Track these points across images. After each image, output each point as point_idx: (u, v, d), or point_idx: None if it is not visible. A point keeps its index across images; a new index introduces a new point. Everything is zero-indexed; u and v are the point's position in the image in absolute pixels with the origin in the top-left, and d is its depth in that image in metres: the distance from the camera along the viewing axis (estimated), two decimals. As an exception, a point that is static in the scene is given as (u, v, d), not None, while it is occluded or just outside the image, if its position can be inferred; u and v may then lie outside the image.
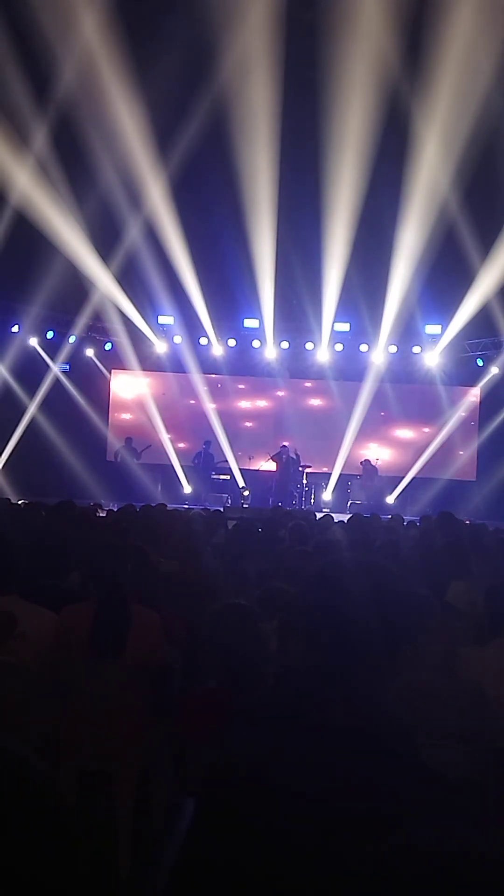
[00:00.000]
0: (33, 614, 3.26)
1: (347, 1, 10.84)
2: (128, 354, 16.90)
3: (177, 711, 2.97)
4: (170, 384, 17.56)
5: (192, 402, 17.34)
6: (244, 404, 17.98)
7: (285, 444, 16.23)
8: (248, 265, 15.21)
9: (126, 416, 17.91)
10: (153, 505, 8.65)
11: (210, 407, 17.09)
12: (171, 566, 4.62)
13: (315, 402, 17.93)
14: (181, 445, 17.21)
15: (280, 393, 17.91)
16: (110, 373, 17.90)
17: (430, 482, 16.35)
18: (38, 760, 0.95)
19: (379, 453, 17.20)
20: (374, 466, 16.44)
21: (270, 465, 16.16)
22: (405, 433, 17.64)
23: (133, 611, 3.29)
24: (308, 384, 17.97)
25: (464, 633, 3.31)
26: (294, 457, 15.97)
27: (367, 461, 16.52)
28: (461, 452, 17.09)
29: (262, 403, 18.06)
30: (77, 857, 0.93)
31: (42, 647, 3.17)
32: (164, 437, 17.05)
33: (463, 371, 17.03)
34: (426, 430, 17.30)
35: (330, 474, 16.98)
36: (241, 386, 18.00)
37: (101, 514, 8.31)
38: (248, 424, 17.91)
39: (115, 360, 17.52)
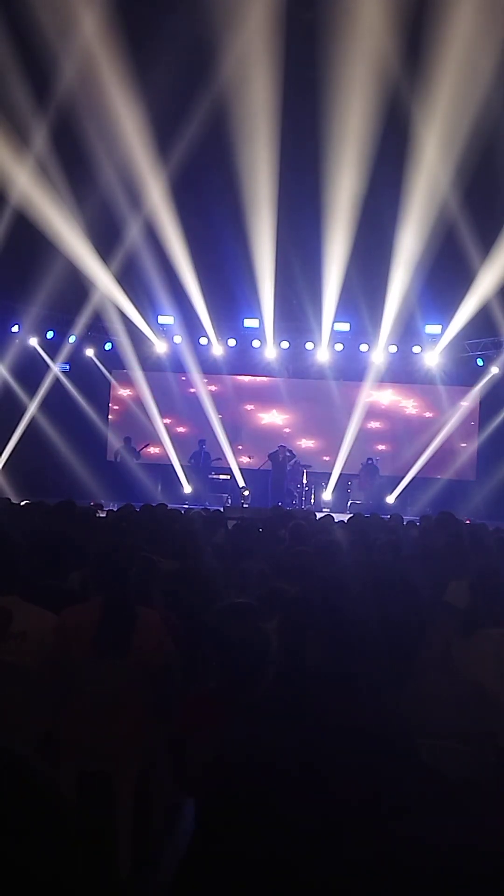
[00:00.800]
0: (34, 615, 3.26)
1: (347, 1, 10.84)
2: (128, 354, 16.90)
3: (177, 711, 2.97)
4: (170, 384, 17.57)
5: (192, 401, 17.34)
6: (244, 404, 17.98)
7: (282, 444, 16.31)
8: (248, 265, 15.21)
9: (126, 416, 17.91)
10: (154, 505, 8.64)
11: (210, 406, 17.09)
12: (171, 566, 4.62)
13: (315, 401, 17.94)
14: (181, 444, 17.20)
15: (280, 393, 17.91)
16: (110, 373, 17.90)
17: (430, 482, 16.35)
18: (38, 760, 0.95)
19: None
20: (374, 466, 16.41)
21: (269, 465, 16.20)
22: (405, 433, 17.62)
23: (137, 611, 3.29)
24: (308, 384, 17.98)
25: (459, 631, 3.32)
26: (288, 454, 16.04)
27: (369, 460, 16.49)
28: (461, 452, 17.09)
29: (261, 403, 18.06)
30: (77, 856, 0.93)
31: (42, 648, 3.17)
32: (165, 437, 17.05)
33: (463, 371, 17.03)
34: (426, 430, 17.30)
35: (330, 474, 16.99)
36: (241, 386, 18.00)
37: (100, 515, 8.31)
38: (248, 424, 17.92)
39: (115, 360, 17.52)
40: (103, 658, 3.18)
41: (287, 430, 17.26)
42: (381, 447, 17.19)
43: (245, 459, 16.80)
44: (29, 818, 0.91)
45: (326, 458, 17.19)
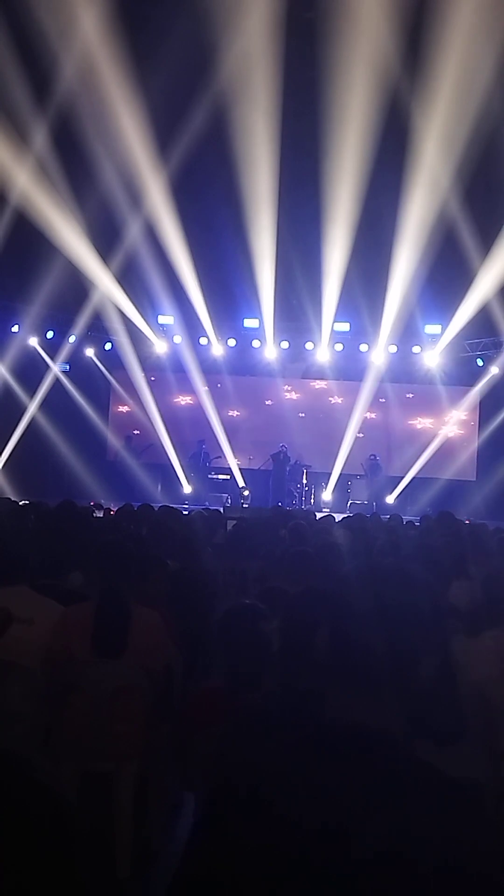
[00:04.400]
0: (42, 604, 3.30)
1: (348, 0, 10.84)
2: (128, 354, 16.90)
3: (179, 710, 2.97)
4: (170, 384, 17.56)
5: (192, 401, 17.34)
6: (244, 404, 17.97)
7: (283, 444, 16.32)
8: (248, 265, 15.21)
9: (126, 416, 17.90)
10: (154, 506, 8.64)
11: (210, 407, 17.09)
12: (172, 566, 4.61)
13: (315, 401, 17.94)
14: (181, 446, 17.20)
15: (280, 393, 17.91)
16: (110, 373, 17.89)
17: (430, 482, 16.35)
18: (39, 761, 0.95)
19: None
20: (378, 464, 16.35)
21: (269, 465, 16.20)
22: (405, 433, 17.61)
23: (133, 610, 3.29)
24: (308, 384, 17.98)
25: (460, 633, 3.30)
26: (288, 456, 16.09)
27: (372, 456, 16.44)
28: (461, 452, 17.09)
29: (261, 403, 18.06)
30: (76, 857, 0.93)
31: (48, 637, 3.19)
32: (164, 437, 17.05)
33: (463, 371, 17.03)
34: (426, 430, 17.30)
35: (330, 474, 16.99)
36: (241, 386, 18.00)
37: (97, 514, 8.32)
38: (248, 424, 17.90)
39: (115, 360, 17.51)
40: (101, 657, 3.18)
41: (285, 438, 17.25)
42: (380, 447, 17.16)
43: (252, 465, 16.74)
44: (29, 819, 0.91)
45: (326, 459, 17.17)
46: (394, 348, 16.72)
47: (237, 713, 1.44)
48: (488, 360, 16.62)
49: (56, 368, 16.65)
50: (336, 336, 16.79)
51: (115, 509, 8.73)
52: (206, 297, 16.02)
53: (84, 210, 13.63)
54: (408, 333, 16.55)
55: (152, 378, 17.36)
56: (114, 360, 17.53)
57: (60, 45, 10.92)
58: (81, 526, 5.72)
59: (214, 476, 16.75)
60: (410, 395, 17.64)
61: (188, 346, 16.93)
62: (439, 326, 16.33)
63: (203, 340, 17.08)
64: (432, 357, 16.66)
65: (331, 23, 10.93)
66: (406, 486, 16.70)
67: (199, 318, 16.46)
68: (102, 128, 12.23)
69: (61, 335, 16.62)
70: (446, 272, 14.94)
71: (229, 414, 17.55)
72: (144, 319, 16.59)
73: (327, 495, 16.77)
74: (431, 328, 16.51)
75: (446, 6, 10.62)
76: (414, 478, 16.71)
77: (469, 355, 16.80)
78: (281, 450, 16.08)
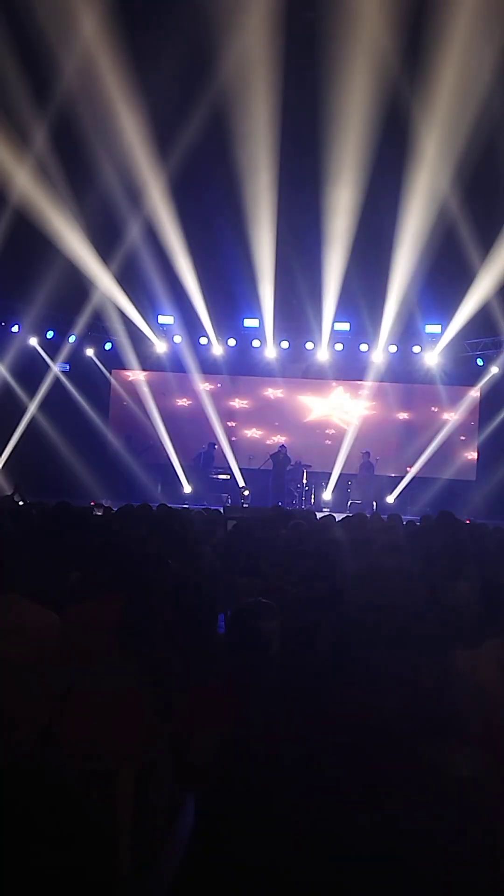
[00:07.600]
0: (33, 611, 3.27)
1: (347, 1, 10.83)
2: (128, 354, 16.91)
3: (178, 710, 2.97)
4: (170, 384, 17.57)
5: (192, 401, 17.34)
6: (244, 404, 17.97)
7: (283, 444, 16.32)
8: (248, 265, 15.22)
9: (126, 416, 17.90)
10: (153, 506, 8.63)
11: (210, 407, 17.10)
12: (171, 566, 4.61)
13: (314, 401, 17.93)
14: (181, 446, 17.20)
15: (280, 392, 17.91)
16: (110, 373, 17.91)
17: (430, 482, 16.35)
18: (40, 761, 0.95)
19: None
20: (371, 463, 16.36)
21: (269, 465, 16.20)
22: (405, 433, 17.60)
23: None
24: (308, 384, 17.98)
25: (460, 633, 3.29)
26: (288, 456, 16.10)
27: (366, 453, 16.43)
28: (461, 452, 17.09)
29: (261, 403, 18.06)
30: (77, 856, 0.93)
31: (40, 644, 3.17)
32: (164, 437, 17.05)
33: (463, 371, 17.03)
34: (426, 430, 17.29)
35: (330, 474, 16.99)
36: (241, 385, 18.00)
37: (97, 514, 8.32)
38: (248, 424, 17.91)
39: (115, 360, 17.53)
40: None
41: (286, 438, 17.22)
42: (380, 447, 17.16)
43: (251, 465, 16.76)
44: (30, 819, 0.91)
45: (326, 459, 17.16)
46: (394, 348, 16.74)
47: (237, 714, 1.44)
48: (488, 360, 16.63)
49: (56, 368, 16.67)
50: (336, 336, 16.80)
51: (114, 508, 8.73)
52: (206, 297, 16.04)
53: (84, 210, 13.63)
54: (408, 333, 16.58)
55: (152, 378, 17.38)
56: (114, 360, 17.54)
57: (60, 45, 10.91)
58: (80, 526, 5.73)
59: (215, 476, 16.77)
60: (410, 395, 17.65)
61: (188, 346, 16.96)
62: (439, 326, 16.35)
63: (203, 340, 17.11)
64: (432, 357, 16.67)
65: (331, 23, 10.92)
66: (406, 486, 16.70)
67: (199, 318, 16.48)
68: (102, 128, 12.23)
69: (61, 335, 16.64)
70: (446, 272, 14.95)
71: (229, 414, 17.54)
72: (144, 319, 16.61)
73: (327, 495, 16.77)
74: (431, 328, 16.52)
75: (446, 6, 10.61)
76: (414, 478, 16.71)
77: (469, 355, 16.81)
78: (280, 450, 16.09)
